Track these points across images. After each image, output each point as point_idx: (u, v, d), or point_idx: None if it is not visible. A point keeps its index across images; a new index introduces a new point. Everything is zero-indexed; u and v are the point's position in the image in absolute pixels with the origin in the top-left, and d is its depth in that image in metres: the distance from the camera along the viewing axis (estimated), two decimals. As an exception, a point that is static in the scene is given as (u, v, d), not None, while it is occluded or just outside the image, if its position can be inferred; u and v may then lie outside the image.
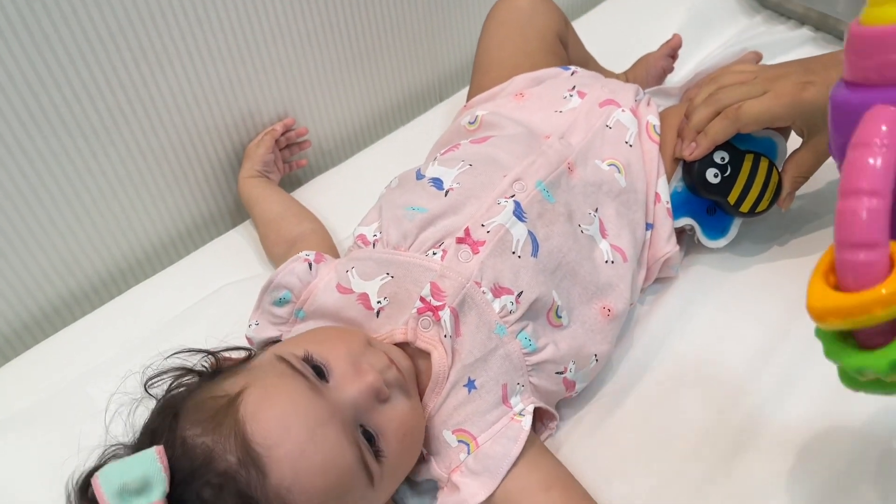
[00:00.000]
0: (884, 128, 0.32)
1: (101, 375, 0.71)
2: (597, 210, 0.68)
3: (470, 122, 0.76)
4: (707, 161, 0.71)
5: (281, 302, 0.65)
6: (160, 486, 0.46)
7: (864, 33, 0.35)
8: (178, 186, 0.84)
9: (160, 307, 0.79)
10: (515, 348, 0.60)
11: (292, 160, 0.90)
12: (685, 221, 0.74)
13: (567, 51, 0.87)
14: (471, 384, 0.59)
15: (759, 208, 0.73)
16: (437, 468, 0.59)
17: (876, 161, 0.31)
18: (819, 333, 0.36)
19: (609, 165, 0.70)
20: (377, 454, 0.53)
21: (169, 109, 0.78)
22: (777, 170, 0.73)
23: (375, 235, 0.66)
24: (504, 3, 0.85)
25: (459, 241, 0.62)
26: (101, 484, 0.46)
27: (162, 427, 0.52)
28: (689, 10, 1.08)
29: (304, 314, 0.65)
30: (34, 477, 0.65)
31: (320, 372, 0.55)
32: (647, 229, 0.72)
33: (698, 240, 0.75)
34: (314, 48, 0.87)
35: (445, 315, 0.58)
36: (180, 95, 0.78)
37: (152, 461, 0.47)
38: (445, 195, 0.65)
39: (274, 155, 0.86)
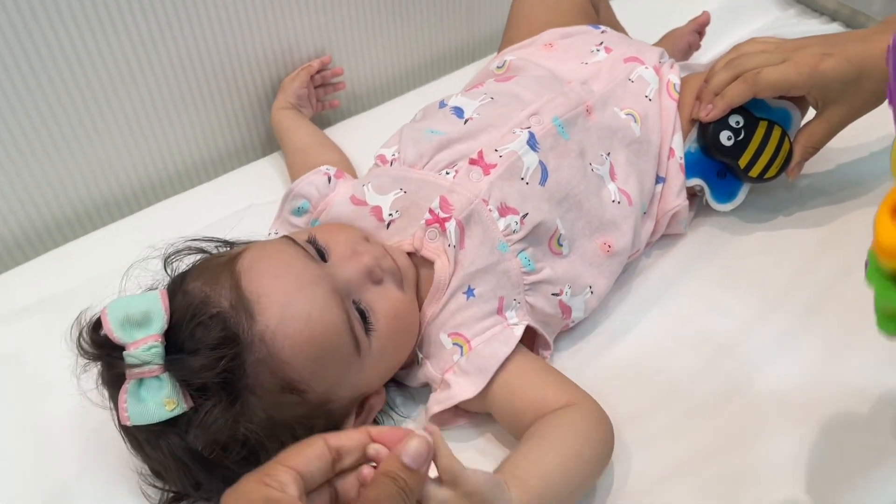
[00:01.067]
0: None
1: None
2: (609, 154, 0.71)
3: (498, 67, 0.79)
4: (722, 123, 0.74)
5: (299, 211, 0.69)
6: (159, 322, 0.50)
7: None
8: (216, 109, 0.88)
9: (188, 219, 0.82)
10: (515, 266, 0.63)
11: (326, 100, 0.94)
12: (695, 182, 0.76)
13: (598, 16, 0.89)
14: (470, 291, 0.62)
15: (768, 174, 0.75)
16: (431, 369, 0.62)
17: None
18: (872, 276, 0.36)
19: (626, 114, 0.73)
20: (367, 329, 0.57)
21: (213, 30, 0.82)
22: (789, 139, 0.75)
23: (394, 155, 0.69)
24: (539, -38, 0.88)
25: (472, 162, 0.65)
26: (108, 313, 0.50)
27: (170, 284, 0.57)
28: (723, -1, 1.10)
29: (319, 224, 0.68)
30: (57, 356, 0.69)
31: (321, 255, 0.59)
32: (658, 182, 0.74)
33: (706, 202, 0.77)
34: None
35: (451, 226, 0.62)
36: (225, 17, 0.82)
37: (155, 300, 0.51)
38: (465, 123, 0.68)
39: (308, 90, 0.89)
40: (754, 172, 0.75)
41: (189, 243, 0.62)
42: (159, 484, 0.56)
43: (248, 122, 0.91)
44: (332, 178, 0.70)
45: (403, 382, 0.66)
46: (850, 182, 0.83)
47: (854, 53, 0.69)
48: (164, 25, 0.79)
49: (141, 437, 0.53)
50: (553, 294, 0.65)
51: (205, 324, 0.51)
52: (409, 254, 0.63)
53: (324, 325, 0.54)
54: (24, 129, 0.77)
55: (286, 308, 0.53)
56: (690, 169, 0.76)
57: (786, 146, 0.75)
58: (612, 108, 0.73)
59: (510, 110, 0.69)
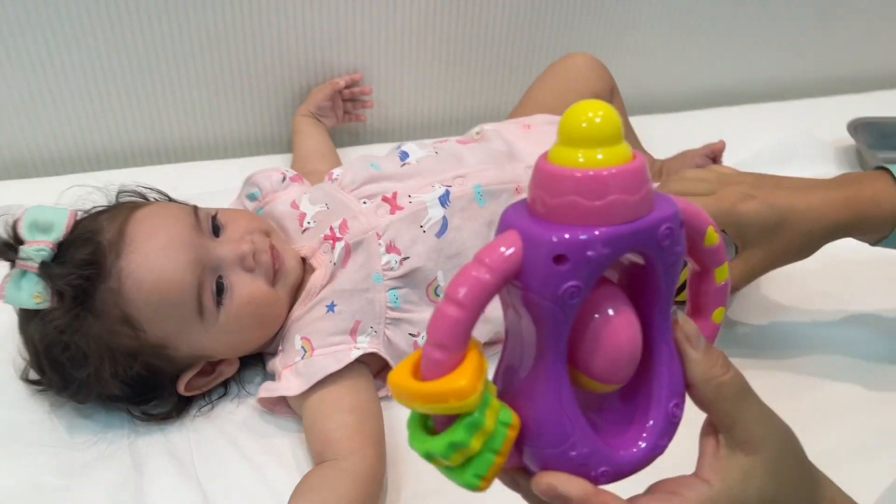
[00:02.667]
0: (502, 249, 0.34)
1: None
2: None
3: (476, 132, 0.86)
4: None
5: (252, 197, 0.80)
6: (57, 233, 0.63)
7: (543, 168, 0.36)
8: (261, 100, 1.02)
9: (188, 184, 0.92)
10: (382, 299, 0.70)
11: (354, 113, 1.04)
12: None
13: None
14: (332, 306, 0.69)
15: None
16: (278, 362, 0.70)
17: (477, 280, 0.34)
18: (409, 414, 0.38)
19: None
20: (219, 302, 0.66)
21: (273, 41, 0.97)
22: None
23: (336, 175, 0.78)
24: (567, 56, 0.95)
25: (385, 199, 0.73)
26: (25, 213, 0.64)
27: (94, 210, 0.69)
28: (780, 141, 1.08)
29: (262, 213, 0.79)
30: None
31: (216, 230, 0.69)
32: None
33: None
34: (414, 36, 1.02)
35: (339, 246, 0.70)
36: (285, 36, 0.97)
37: (63, 215, 0.64)
38: (402, 166, 0.76)
39: (332, 103, 1.00)
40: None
41: (137, 188, 0.75)
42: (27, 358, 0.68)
43: (276, 117, 1.05)
44: (288, 178, 0.80)
45: (264, 367, 0.74)
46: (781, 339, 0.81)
47: (781, 200, 0.66)
48: (229, 24, 0.94)
49: (22, 317, 0.66)
50: (410, 334, 0.71)
51: (83, 245, 0.63)
52: (303, 258, 0.72)
53: (170, 283, 0.64)
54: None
55: (147, 258, 0.64)
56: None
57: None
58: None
59: (444, 167, 0.76)
